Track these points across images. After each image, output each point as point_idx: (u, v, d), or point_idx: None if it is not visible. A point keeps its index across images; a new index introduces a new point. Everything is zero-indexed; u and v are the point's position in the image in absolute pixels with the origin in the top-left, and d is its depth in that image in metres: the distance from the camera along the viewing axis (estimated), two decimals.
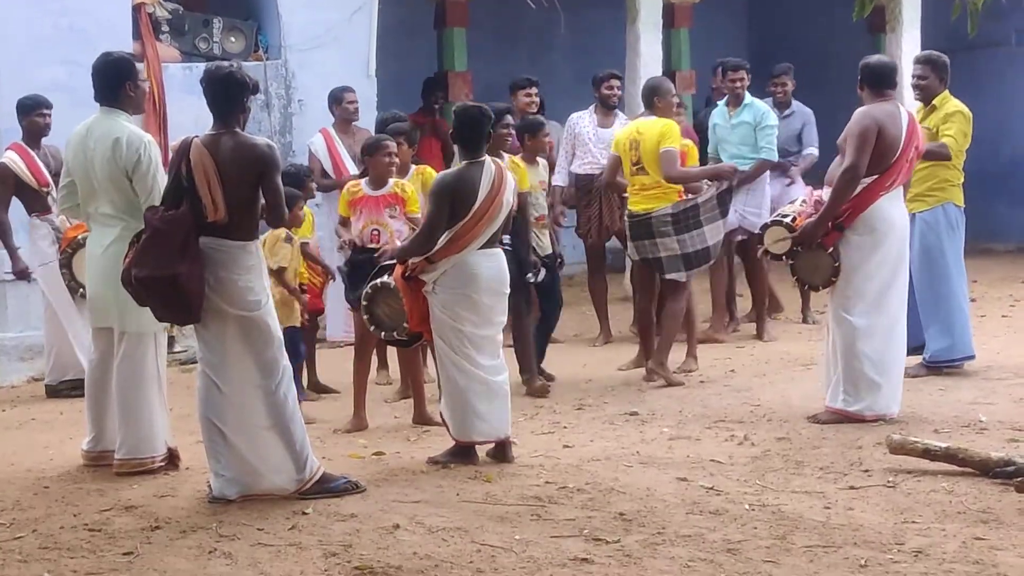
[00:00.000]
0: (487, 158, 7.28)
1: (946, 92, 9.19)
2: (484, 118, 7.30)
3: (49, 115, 9.70)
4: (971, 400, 8.42)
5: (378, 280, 7.43)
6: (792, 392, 8.87)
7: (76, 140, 7.22)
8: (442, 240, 7.10)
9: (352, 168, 10.91)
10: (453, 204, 7.10)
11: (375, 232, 8.56)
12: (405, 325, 7.33)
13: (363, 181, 8.75)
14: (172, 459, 7.20)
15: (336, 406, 8.90)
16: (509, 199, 7.27)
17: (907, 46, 15.21)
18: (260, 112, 11.58)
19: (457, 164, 7.38)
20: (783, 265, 8.50)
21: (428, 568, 5.41)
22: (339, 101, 11.30)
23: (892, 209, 8.02)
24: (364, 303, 7.46)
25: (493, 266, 7.22)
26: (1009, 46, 16.94)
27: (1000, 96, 16.81)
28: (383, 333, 7.54)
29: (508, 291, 7.37)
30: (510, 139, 9.30)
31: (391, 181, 8.66)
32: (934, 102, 9.09)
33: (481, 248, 7.15)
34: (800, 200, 8.49)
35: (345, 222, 8.75)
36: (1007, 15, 13.82)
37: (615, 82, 11.56)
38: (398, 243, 8.15)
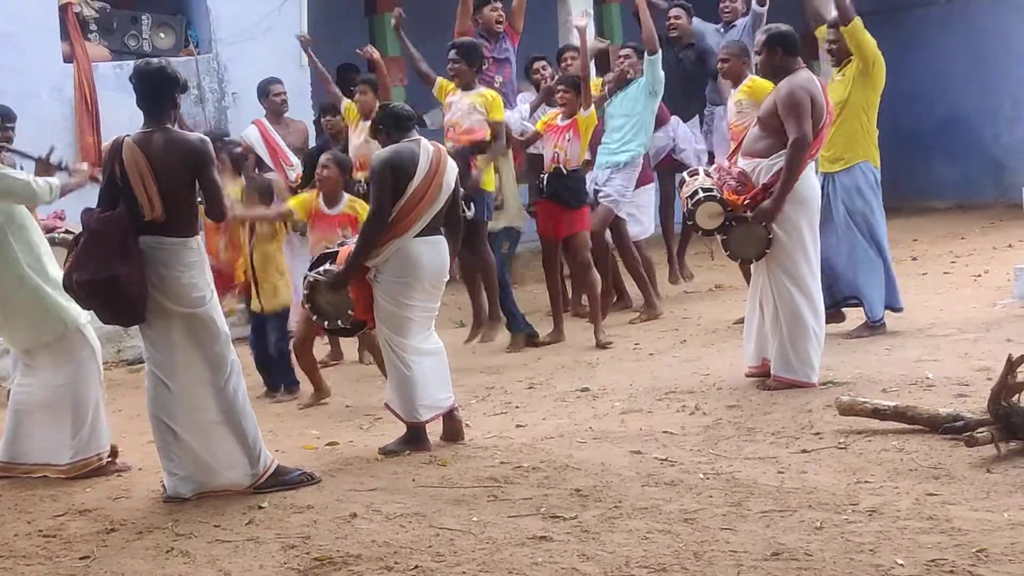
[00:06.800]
0: (422, 139, 7.23)
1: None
2: (407, 111, 7.32)
3: None
4: (917, 358, 8.48)
5: (320, 268, 7.29)
6: (741, 360, 8.87)
7: None
8: None
9: (292, 156, 10.85)
10: (395, 178, 7.01)
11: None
12: (350, 313, 7.23)
13: (320, 197, 8.65)
14: (114, 454, 7.18)
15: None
16: (450, 183, 7.17)
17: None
18: (194, 107, 11.51)
19: None
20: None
21: (387, 555, 5.40)
22: (266, 94, 11.18)
23: (812, 176, 8.13)
24: (306, 292, 7.29)
25: (434, 254, 7.15)
26: (939, 5, 17.07)
27: (933, 55, 16.95)
28: (326, 323, 7.37)
29: (447, 279, 7.36)
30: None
31: (345, 198, 8.60)
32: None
33: (422, 235, 7.08)
34: (703, 171, 8.37)
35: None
36: None
37: (538, 64, 11.41)
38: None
